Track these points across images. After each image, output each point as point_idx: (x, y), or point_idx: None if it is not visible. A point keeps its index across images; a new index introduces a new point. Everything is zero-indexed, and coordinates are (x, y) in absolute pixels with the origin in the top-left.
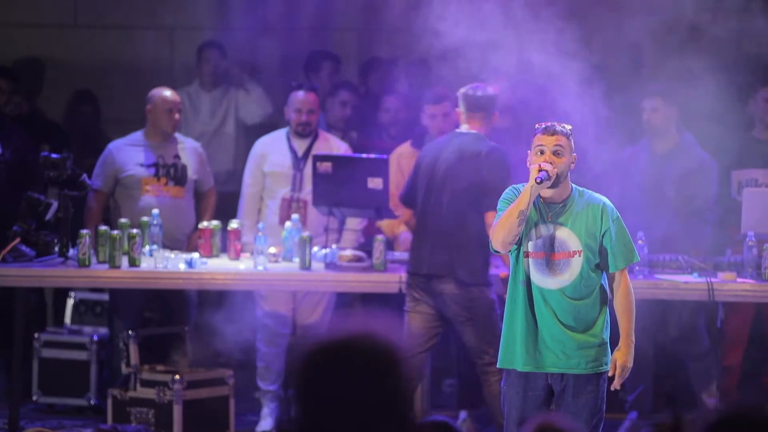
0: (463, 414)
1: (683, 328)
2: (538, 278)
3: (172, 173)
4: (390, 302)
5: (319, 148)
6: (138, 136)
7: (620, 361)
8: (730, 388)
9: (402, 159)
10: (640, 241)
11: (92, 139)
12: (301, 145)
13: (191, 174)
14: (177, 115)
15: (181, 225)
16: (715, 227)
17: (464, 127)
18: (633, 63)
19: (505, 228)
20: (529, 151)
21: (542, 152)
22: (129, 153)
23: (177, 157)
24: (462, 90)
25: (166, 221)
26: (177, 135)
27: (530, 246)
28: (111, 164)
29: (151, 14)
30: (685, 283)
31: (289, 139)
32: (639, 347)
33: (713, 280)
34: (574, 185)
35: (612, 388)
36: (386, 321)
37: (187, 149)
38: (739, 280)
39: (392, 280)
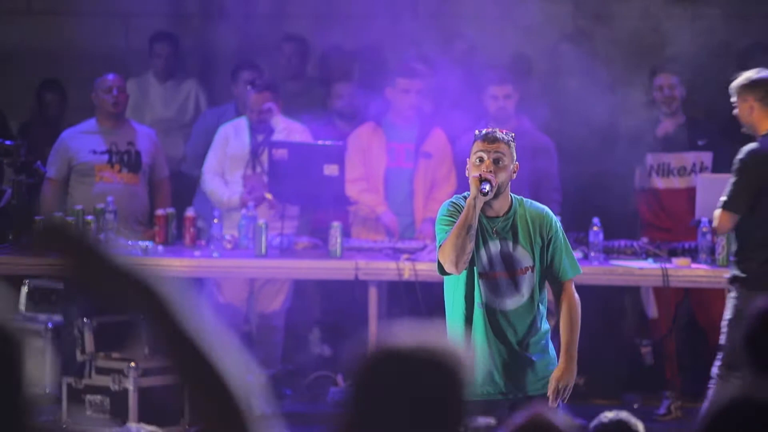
0: None
1: None
2: (495, 299)
3: (126, 160)
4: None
5: (280, 133)
6: (91, 123)
7: (561, 381)
8: (672, 377)
9: (362, 138)
10: (595, 227)
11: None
12: (259, 134)
13: (145, 161)
14: (116, 93)
15: (135, 212)
16: (561, 206)
17: None
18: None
19: (456, 246)
20: (467, 159)
21: (481, 160)
22: (82, 140)
23: (131, 143)
24: (763, 77)
25: (120, 208)
26: (131, 121)
27: (483, 266)
28: (64, 152)
29: (105, 1)
30: (640, 269)
31: (250, 127)
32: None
33: (668, 266)
34: (512, 195)
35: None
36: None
37: (141, 136)
38: (693, 266)
39: (348, 267)
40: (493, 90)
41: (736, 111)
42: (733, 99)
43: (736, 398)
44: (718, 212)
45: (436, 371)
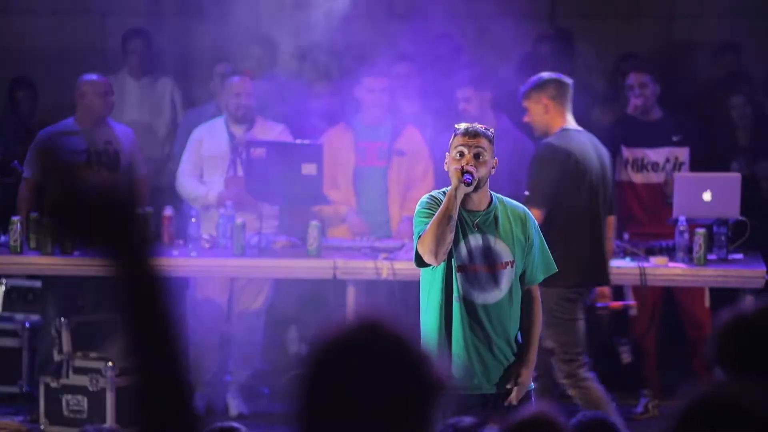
0: None
1: None
2: (473, 293)
3: (104, 159)
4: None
5: (257, 133)
6: (69, 123)
7: (524, 378)
8: (650, 375)
9: (332, 140)
10: None
11: (29, 126)
12: (238, 130)
13: (123, 160)
14: (111, 98)
15: None
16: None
17: (574, 122)
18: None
19: (436, 236)
20: (447, 153)
21: (462, 155)
22: (60, 141)
23: (108, 143)
24: (551, 77)
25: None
26: (109, 120)
27: (462, 259)
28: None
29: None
30: (617, 267)
31: (227, 126)
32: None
33: (645, 264)
34: (491, 191)
35: (507, 404)
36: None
37: (119, 135)
38: (670, 264)
39: (326, 266)
40: (456, 92)
41: (527, 118)
42: (525, 104)
43: (706, 398)
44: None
45: (399, 361)
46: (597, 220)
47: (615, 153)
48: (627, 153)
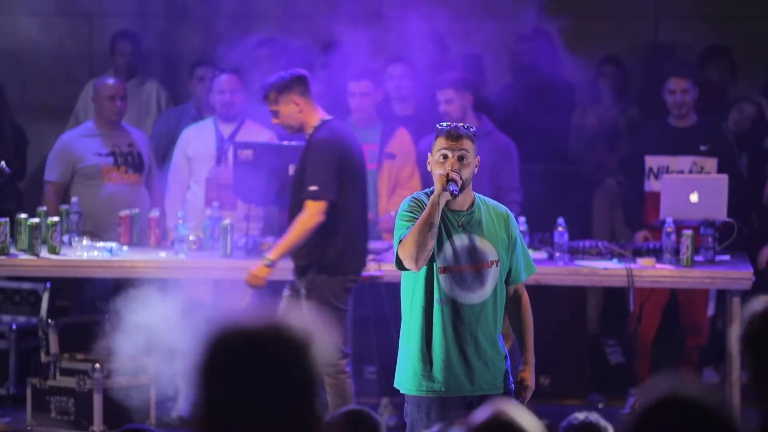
0: (384, 401)
1: None
2: (459, 293)
3: (130, 161)
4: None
5: (245, 133)
6: (89, 126)
7: (528, 381)
8: (642, 374)
9: None
10: (560, 228)
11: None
12: (227, 129)
13: (146, 161)
14: (119, 102)
15: (143, 211)
16: (520, 207)
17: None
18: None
19: (418, 242)
20: (429, 154)
21: (445, 158)
22: (85, 143)
23: (131, 144)
24: (293, 75)
25: (129, 208)
26: (123, 123)
27: (447, 259)
28: (68, 155)
29: (69, 1)
30: (604, 269)
31: (215, 125)
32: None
33: (632, 266)
34: (473, 191)
35: None
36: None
37: (136, 137)
38: (657, 266)
39: None
40: (438, 94)
41: (277, 120)
42: (274, 108)
43: (664, 397)
44: (313, 204)
45: (282, 350)
46: (366, 208)
47: (641, 163)
48: (650, 161)
